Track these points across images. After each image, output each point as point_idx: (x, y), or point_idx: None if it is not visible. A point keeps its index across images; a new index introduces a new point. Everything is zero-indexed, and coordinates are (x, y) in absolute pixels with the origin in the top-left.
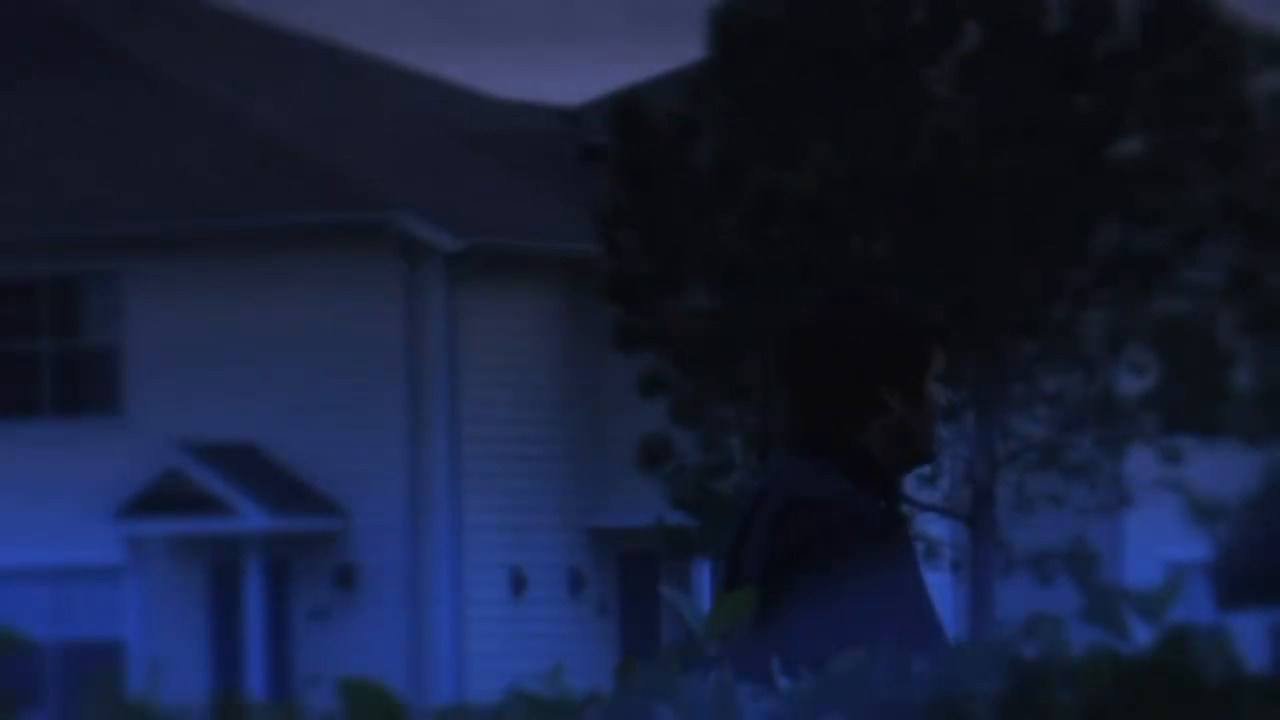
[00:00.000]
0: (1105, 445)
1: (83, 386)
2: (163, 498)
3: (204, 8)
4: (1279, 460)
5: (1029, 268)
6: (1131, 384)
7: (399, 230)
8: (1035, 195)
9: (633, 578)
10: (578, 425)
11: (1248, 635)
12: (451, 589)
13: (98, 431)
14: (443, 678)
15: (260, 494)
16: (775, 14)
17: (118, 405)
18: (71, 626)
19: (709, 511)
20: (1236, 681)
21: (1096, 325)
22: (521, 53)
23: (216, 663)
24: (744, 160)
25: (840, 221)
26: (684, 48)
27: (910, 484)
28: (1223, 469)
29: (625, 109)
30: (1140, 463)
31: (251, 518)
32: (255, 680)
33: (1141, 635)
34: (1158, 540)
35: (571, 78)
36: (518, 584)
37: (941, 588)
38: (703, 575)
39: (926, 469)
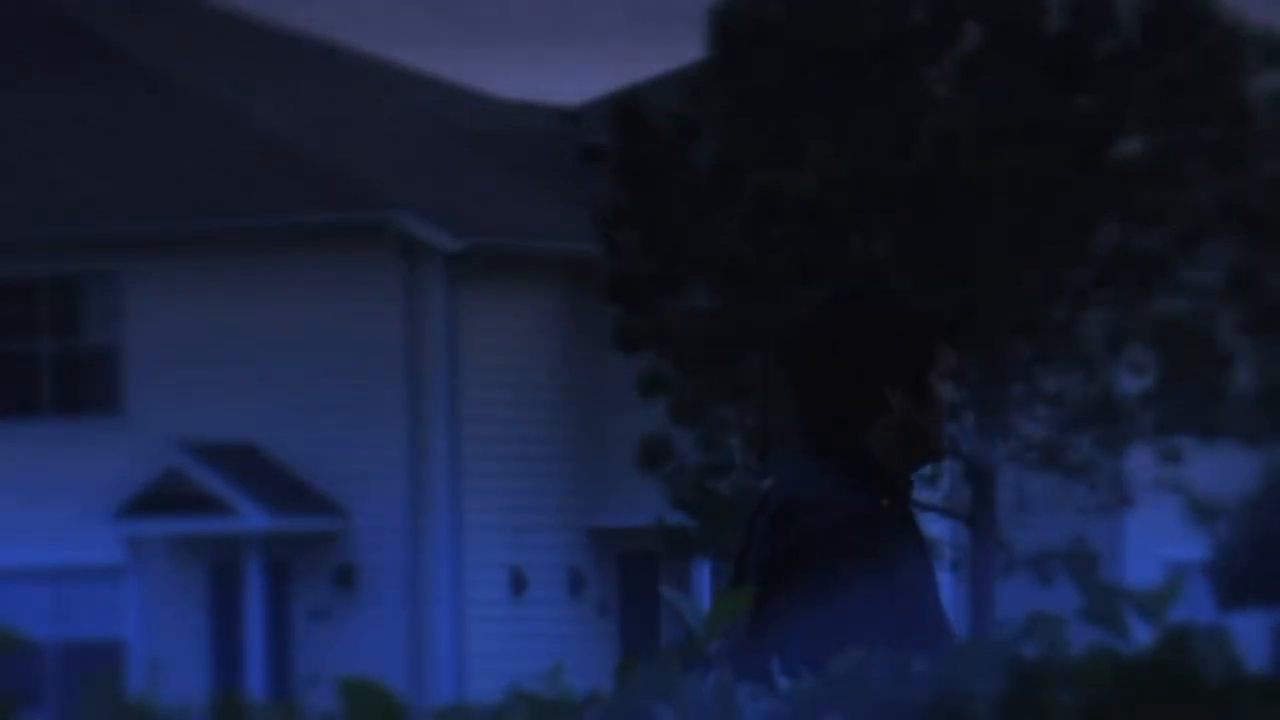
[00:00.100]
0: (1105, 445)
1: (83, 386)
2: (163, 498)
3: (204, 8)
4: (1279, 460)
5: (1029, 268)
6: (1131, 384)
7: (399, 230)
8: (1035, 195)
9: (633, 578)
10: (578, 425)
11: (1248, 635)
12: (451, 589)
13: (98, 431)
14: (443, 678)
15: (260, 494)
16: (775, 14)
17: (118, 405)
18: (71, 626)
19: (709, 511)
20: (1236, 681)
21: (1096, 325)
22: (521, 53)
23: (216, 663)
24: (744, 160)
25: (840, 221)
26: (684, 48)
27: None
28: (1222, 469)
29: (625, 109)
30: (1140, 463)
31: (251, 518)
32: (255, 680)
33: (1141, 635)
34: (1158, 540)
35: (571, 78)
36: (518, 584)
37: (942, 588)
38: (703, 575)
39: (928, 469)
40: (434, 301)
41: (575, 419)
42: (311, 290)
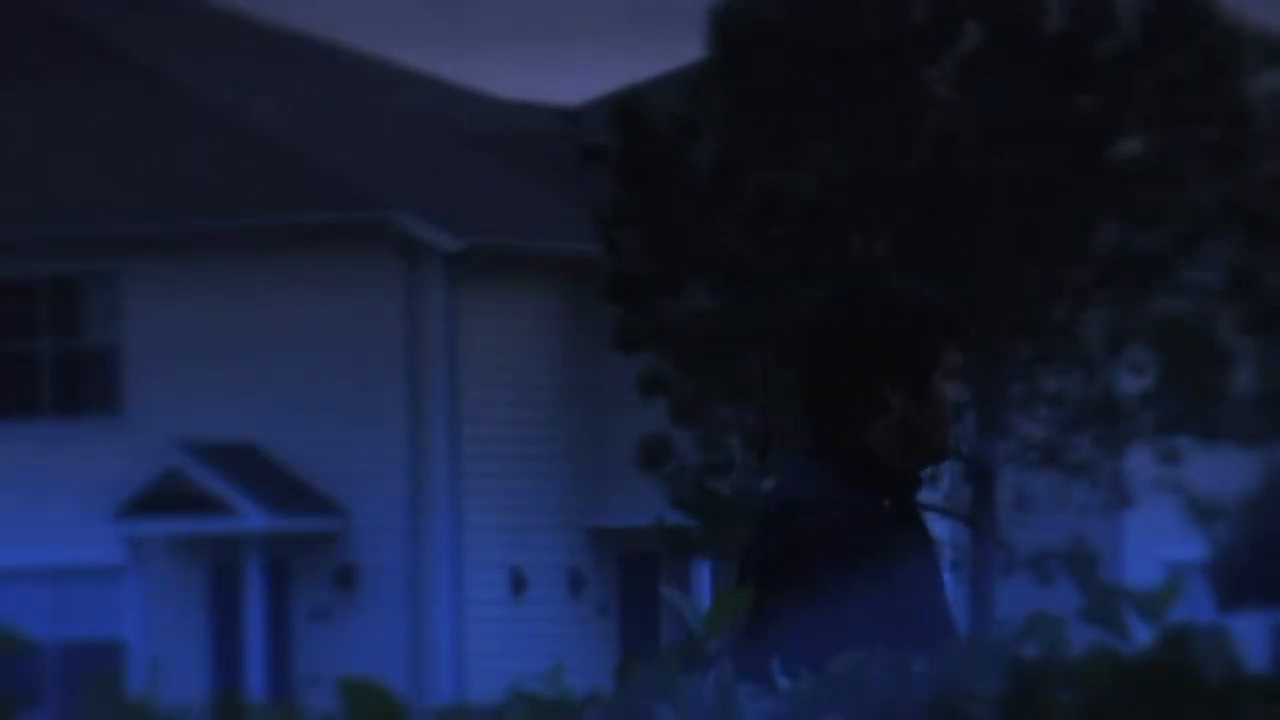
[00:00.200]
0: (1105, 445)
1: (83, 386)
2: (163, 498)
3: (204, 8)
4: (1278, 461)
5: (1029, 268)
6: (1131, 384)
7: (399, 230)
8: (1035, 195)
9: (633, 578)
10: (578, 425)
11: (1248, 635)
12: (451, 589)
13: (98, 431)
14: (443, 678)
15: (260, 494)
16: (775, 14)
17: (118, 405)
18: (71, 626)
19: (709, 511)
20: (1236, 681)
21: (1096, 325)
22: (521, 53)
23: (216, 663)
24: (744, 160)
25: (840, 221)
26: (684, 48)
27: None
28: (1222, 469)
29: (625, 109)
30: (1140, 463)
31: (251, 518)
32: (255, 680)
33: (1141, 635)
34: (1158, 540)
35: (571, 78)
36: (518, 584)
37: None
38: (703, 575)
39: (930, 469)
40: (434, 301)
41: (575, 419)
42: (311, 290)
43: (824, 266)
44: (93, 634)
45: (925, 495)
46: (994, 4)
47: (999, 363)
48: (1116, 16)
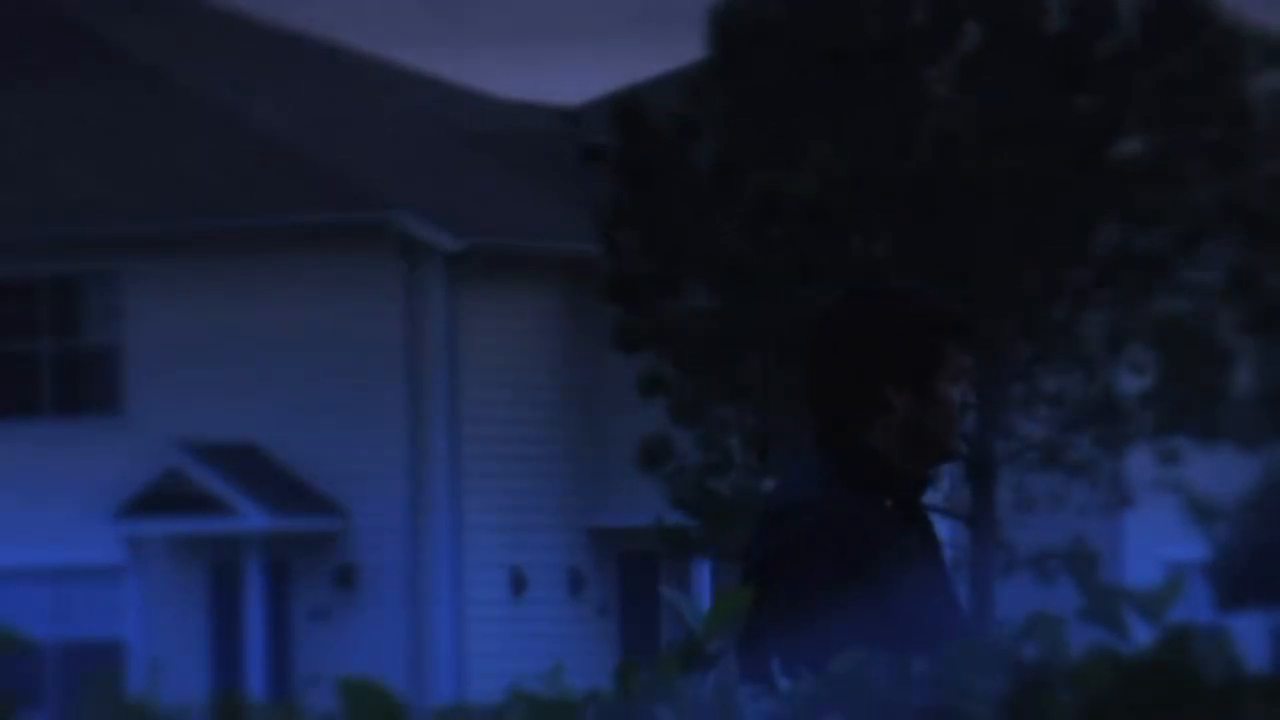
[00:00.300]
0: (1105, 445)
1: (83, 386)
2: (163, 498)
3: (204, 8)
4: (1278, 461)
5: (1029, 268)
6: (1131, 384)
7: (399, 230)
8: (1035, 195)
9: (633, 578)
10: (578, 425)
11: (1248, 635)
12: (451, 589)
13: (98, 431)
14: (443, 678)
15: (260, 494)
16: (775, 14)
17: (118, 405)
18: (71, 626)
19: (709, 511)
20: (1236, 681)
21: (1096, 325)
22: (521, 53)
23: (216, 663)
24: (744, 160)
25: (840, 221)
26: (684, 48)
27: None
28: (1222, 469)
29: (625, 109)
30: (1140, 463)
31: (251, 518)
32: (255, 680)
33: (1141, 635)
34: (1158, 540)
35: (571, 78)
36: (518, 584)
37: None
38: (703, 575)
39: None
40: (434, 301)
41: (575, 419)
42: (311, 290)
43: (824, 266)
44: (93, 634)
45: (925, 495)
46: (994, 4)
47: (999, 363)
48: (1116, 16)
